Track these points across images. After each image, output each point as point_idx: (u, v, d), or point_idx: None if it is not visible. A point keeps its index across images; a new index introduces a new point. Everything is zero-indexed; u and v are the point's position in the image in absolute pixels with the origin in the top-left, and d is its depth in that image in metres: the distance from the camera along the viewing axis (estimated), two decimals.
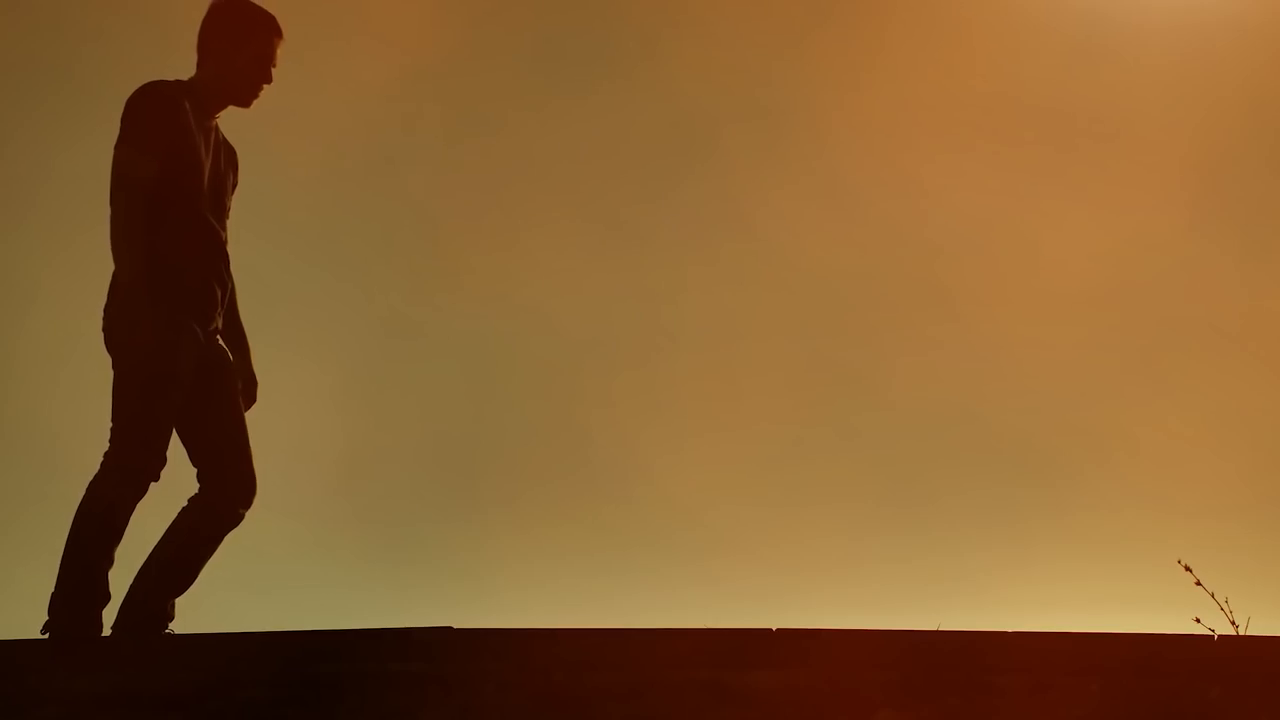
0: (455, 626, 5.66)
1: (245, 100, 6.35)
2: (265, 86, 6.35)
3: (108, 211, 6.16)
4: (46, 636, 6.00)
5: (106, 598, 6.10)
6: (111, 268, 6.21)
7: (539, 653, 5.60)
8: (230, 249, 6.37)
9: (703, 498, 10.72)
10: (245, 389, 6.46)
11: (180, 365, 6.15)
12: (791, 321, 11.26)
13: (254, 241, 6.56)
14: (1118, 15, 11.04)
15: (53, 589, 6.08)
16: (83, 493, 6.12)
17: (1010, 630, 5.63)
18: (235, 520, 6.26)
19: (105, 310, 6.22)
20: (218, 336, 6.34)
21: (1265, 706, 5.54)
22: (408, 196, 11.40)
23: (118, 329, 6.17)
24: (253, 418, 6.43)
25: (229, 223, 6.39)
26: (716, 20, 11.23)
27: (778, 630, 5.61)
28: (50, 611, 6.05)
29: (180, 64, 6.38)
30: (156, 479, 6.12)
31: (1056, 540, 10.26)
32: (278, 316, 6.52)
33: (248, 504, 6.28)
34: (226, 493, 6.25)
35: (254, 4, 6.35)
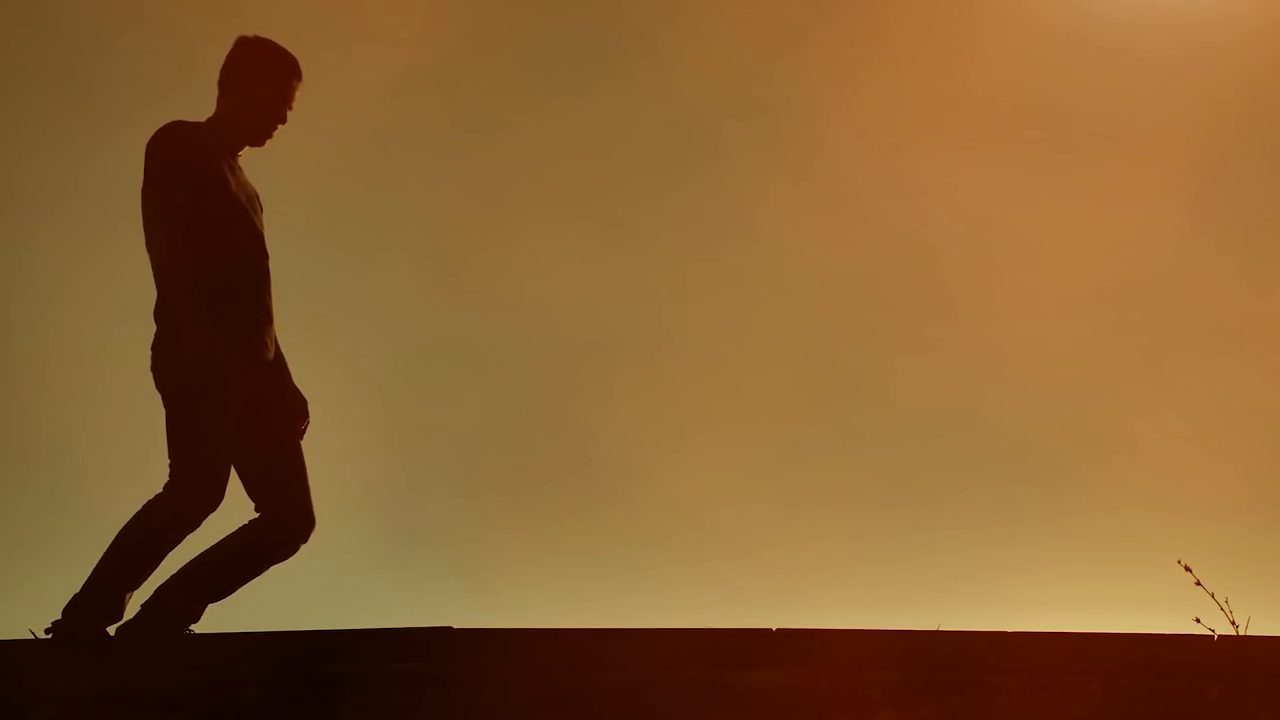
0: (455, 626, 5.66)
1: (260, 139, 6.36)
2: (280, 128, 6.36)
3: (149, 255, 6.14)
4: (49, 636, 5.99)
5: (120, 616, 6.07)
6: (150, 301, 6.19)
7: (539, 653, 5.60)
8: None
9: (703, 498, 10.72)
10: (295, 410, 6.41)
11: (228, 402, 6.11)
12: (791, 321, 11.26)
13: None
14: (1118, 15, 11.04)
15: (75, 592, 6.06)
16: (137, 507, 6.09)
17: (1010, 630, 5.63)
18: (290, 552, 6.24)
19: (153, 348, 6.19)
20: (267, 367, 6.32)
21: (1265, 706, 5.54)
22: (407, 195, 11.40)
23: (166, 367, 6.15)
24: None
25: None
26: (716, 20, 11.23)
27: (778, 630, 5.61)
28: (64, 612, 6.04)
29: (186, 71, 6.39)
30: (210, 512, 6.09)
31: (1056, 540, 10.26)
32: (276, 315, 6.50)
33: (304, 538, 6.24)
34: (286, 526, 6.22)
35: (278, 45, 6.37)
